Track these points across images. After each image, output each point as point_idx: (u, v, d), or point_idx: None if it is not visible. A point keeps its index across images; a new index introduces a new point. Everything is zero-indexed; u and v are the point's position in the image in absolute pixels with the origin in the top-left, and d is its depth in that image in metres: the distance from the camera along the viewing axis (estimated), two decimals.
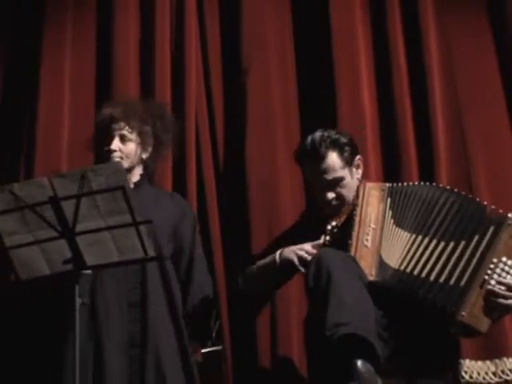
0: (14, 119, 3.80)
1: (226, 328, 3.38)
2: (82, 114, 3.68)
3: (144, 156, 3.17)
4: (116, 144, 3.08)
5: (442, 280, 2.53)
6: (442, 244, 2.59)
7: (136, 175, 3.14)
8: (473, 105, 3.65)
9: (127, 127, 3.10)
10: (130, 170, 3.10)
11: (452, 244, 2.58)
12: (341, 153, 2.84)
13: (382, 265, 2.59)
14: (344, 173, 2.84)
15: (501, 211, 2.64)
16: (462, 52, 3.73)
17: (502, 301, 2.51)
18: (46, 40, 3.83)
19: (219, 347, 3.05)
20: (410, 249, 2.61)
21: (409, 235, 2.64)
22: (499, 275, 2.51)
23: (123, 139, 3.09)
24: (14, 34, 3.91)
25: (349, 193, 2.85)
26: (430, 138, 3.57)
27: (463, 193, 2.76)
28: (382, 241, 2.64)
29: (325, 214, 2.85)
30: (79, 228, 2.48)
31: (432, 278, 2.54)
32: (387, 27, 3.74)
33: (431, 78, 3.63)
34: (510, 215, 2.59)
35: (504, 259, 2.53)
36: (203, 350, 3.00)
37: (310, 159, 2.87)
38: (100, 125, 3.18)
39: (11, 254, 2.54)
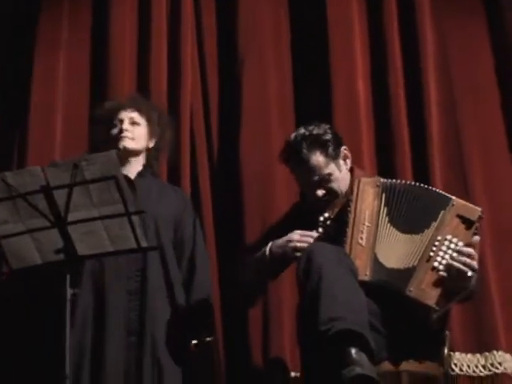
0: (8, 114, 3.78)
1: (218, 319, 3.38)
2: (76, 109, 3.69)
3: (150, 145, 3.20)
4: (127, 126, 3.12)
5: (404, 267, 2.59)
6: (418, 237, 2.63)
7: (139, 165, 3.16)
8: (467, 99, 3.66)
9: (137, 112, 3.16)
10: (136, 154, 3.13)
11: (421, 234, 2.63)
12: (323, 150, 2.80)
13: (376, 264, 2.59)
14: (330, 168, 2.82)
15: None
16: (457, 46, 3.73)
17: (445, 275, 2.55)
18: (40, 36, 3.81)
19: (211, 337, 3.02)
20: (403, 250, 2.62)
21: (402, 236, 2.64)
22: (445, 252, 2.57)
23: (133, 123, 3.15)
24: (8, 29, 3.89)
25: (339, 186, 2.84)
26: (425, 129, 3.57)
27: (433, 188, 2.78)
28: (377, 239, 2.64)
29: (317, 207, 2.83)
30: (71, 217, 2.49)
31: (402, 268, 2.60)
32: (383, 18, 3.74)
33: (426, 71, 3.63)
34: (453, 197, 2.65)
35: (449, 237, 2.58)
36: (195, 341, 2.97)
37: (293, 162, 2.86)
38: (106, 114, 3.21)
39: (2, 243, 2.54)
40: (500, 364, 3.28)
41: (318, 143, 2.81)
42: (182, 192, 3.31)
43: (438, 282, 2.54)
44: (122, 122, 3.14)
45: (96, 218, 2.49)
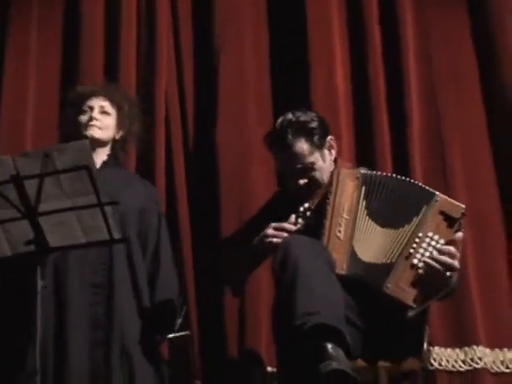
0: None
1: (193, 313, 3.35)
2: (47, 100, 3.64)
3: (117, 136, 3.15)
4: (96, 114, 3.07)
5: (381, 262, 2.56)
6: (398, 231, 2.59)
7: (104, 155, 3.11)
8: (448, 88, 3.64)
9: (108, 101, 3.12)
10: (103, 144, 3.09)
11: (401, 229, 2.59)
12: (309, 138, 2.74)
13: (353, 258, 2.57)
14: (314, 157, 2.75)
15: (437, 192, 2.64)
16: (439, 34, 3.71)
17: (424, 273, 2.52)
18: (11, 27, 3.77)
19: (186, 332, 3.02)
20: (382, 244, 2.58)
21: (382, 230, 2.60)
22: (425, 249, 2.53)
23: (103, 112, 3.10)
24: None
25: (322, 175, 2.78)
26: (405, 118, 3.56)
27: (416, 182, 2.72)
28: (355, 232, 2.60)
29: (298, 197, 2.79)
30: (42, 208, 2.43)
31: (379, 263, 2.57)
32: (363, 5, 3.70)
33: (406, 60, 3.61)
34: (437, 193, 2.60)
35: (430, 234, 2.53)
36: (170, 336, 2.96)
37: (277, 147, 2.81)
38: (77, 99, 3.15)
39: None
40: (480, 359, 3.27)
41: (304, 130, 2.75)
42: (149, 183, 3.25)
43: (417, 280, 2.51)
44: (92, 109, 3.09)
45: (68, 208, 2.44)
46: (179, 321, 2.96)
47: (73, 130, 3.08)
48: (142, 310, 2.90)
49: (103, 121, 3.08)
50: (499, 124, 3.61)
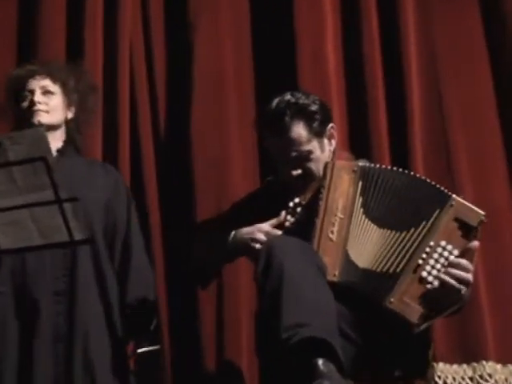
0: None
1: (165, 324, 3.19)
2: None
3: (68, 115, 2.95)
4: (39, 96, 2.87)
5: (382, 270, 2.38)
6: (402, 235, 2.41)
7: (59, 141, 2.90)
8: (452, 68, 3.48)
9: (49, 79, 2.91)
10: (54, 128, 2.87)
11: (405, 233, 2.41)
12: (308, 123, 2.55)
13: (347, 264, 2.39)
14: (312, 146, 2.56)
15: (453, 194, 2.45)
16: (441, 6, 3.54)
17: (435, 288, 2.34)
18: None
19: (156, 347, 2.84)
20: (381, 248, 2.41)
21: (381, 231, 2.43)
22: (436, 261, 2.36)
23: (46, 92, 2.90)
24: None
25: (318, 167, 2.59)
26: (403, 103, 3.38)
27: (423, 177, 2.55)
28: (350, 234, 2.42)
29: (291, 189, 2.61)
30: None
31: (378, 270, 2.39)
32: None
33: (406, 35, 3.43)
34: (453, 196, 2.41)
35: (443, 243, 2.35)
36: (138, 351, 2.78)
37: (271, 131, 2.61)
38: (15, 83, 2.94)
39: None
40: (490, 376, 3.13)
41: (303, 114, 2.57)
42: (113, 169, 3.04)
43: (425, 296, 2.31)
44: (32, 92, 2.88)
45: (21, 205, 2.25)
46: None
47: (20, 120, 2.89)
48: (110, 317, 2.73)
49: (49, 102, 2.87)
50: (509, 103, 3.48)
